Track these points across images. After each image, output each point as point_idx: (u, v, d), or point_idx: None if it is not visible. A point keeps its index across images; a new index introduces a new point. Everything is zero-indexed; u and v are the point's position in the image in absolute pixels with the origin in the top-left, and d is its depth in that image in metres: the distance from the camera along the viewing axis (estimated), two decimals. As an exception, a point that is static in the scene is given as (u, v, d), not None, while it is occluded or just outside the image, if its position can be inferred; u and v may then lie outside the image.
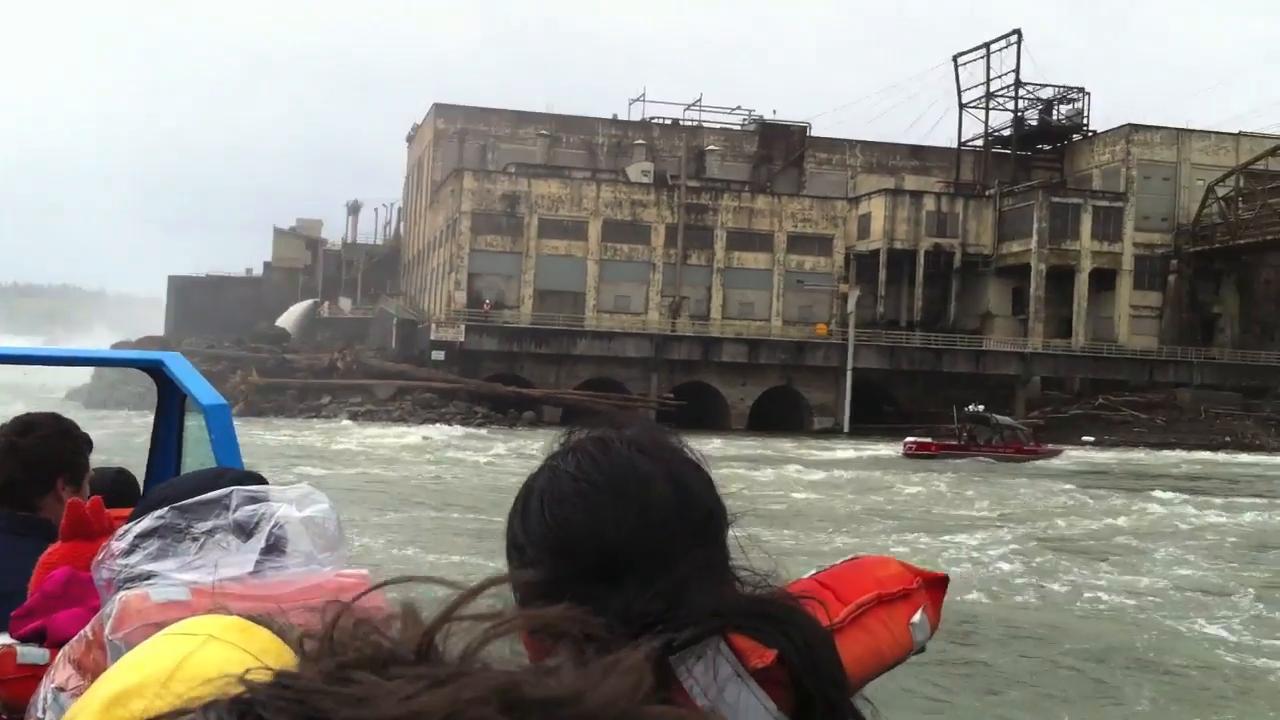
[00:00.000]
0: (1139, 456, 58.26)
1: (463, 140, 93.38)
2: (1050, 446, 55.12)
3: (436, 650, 0.67)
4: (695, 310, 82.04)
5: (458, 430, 59.67)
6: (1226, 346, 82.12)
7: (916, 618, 1.41)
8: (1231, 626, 15.28)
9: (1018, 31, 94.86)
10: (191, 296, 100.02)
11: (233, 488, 1.69)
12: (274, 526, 1.65)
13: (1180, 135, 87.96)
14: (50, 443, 3.25)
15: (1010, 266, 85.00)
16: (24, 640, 2.12)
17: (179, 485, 1.81)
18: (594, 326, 79.08)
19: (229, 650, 1.00)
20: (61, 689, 1.49)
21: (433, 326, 76.72)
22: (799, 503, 29.43)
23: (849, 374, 76.56)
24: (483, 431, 60.21)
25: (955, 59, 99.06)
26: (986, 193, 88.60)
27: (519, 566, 1.25)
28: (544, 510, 1.25)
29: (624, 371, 76.97)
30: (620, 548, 1.21)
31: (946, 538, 23.10)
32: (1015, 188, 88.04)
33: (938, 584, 1.45)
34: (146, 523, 1.65)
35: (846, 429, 74.09)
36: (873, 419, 74.48)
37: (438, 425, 61.75)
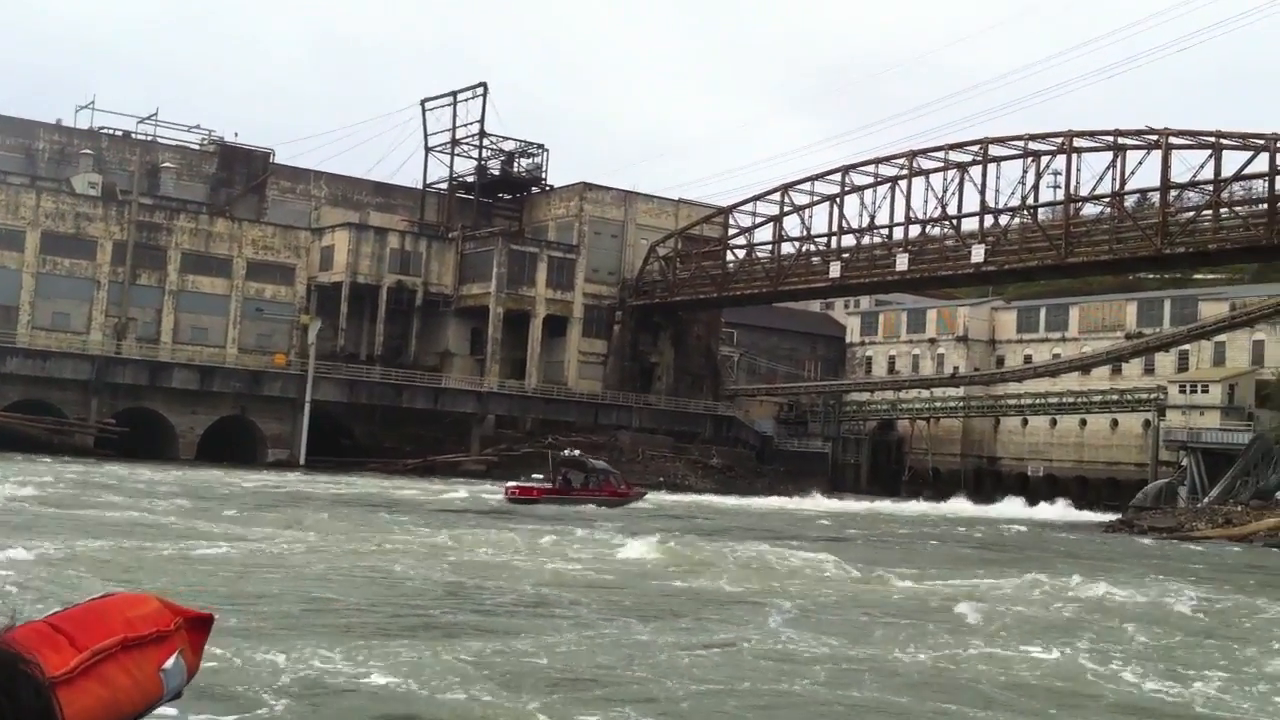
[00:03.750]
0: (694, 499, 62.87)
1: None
2: (638, 489, 56.66)
3: None
4: (144, 333, 77.17)
5: None
6: (662, 394, 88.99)
7: (170, 663, 1.26)
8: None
9: (484, 84, 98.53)
10: None
11: None
12: None
13: (628, 197, 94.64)
14: None
15: (470, 308, 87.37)
16: None
17: None
18: (27, 344, 72.22)
19: None
20: None
21: None
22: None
23: (307, 406, 75.01)
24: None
25: (424, 104, 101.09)
26: (450, 235, 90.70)
27: None
28: None
29: (60, 394, 70.85)
30: None
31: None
32: (477, 233, 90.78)
33: (201, 624, 1.32)
34: None
35: (303, 461, 72.46)
36: (329, 452, 73.51)
37: None
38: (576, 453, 59.49)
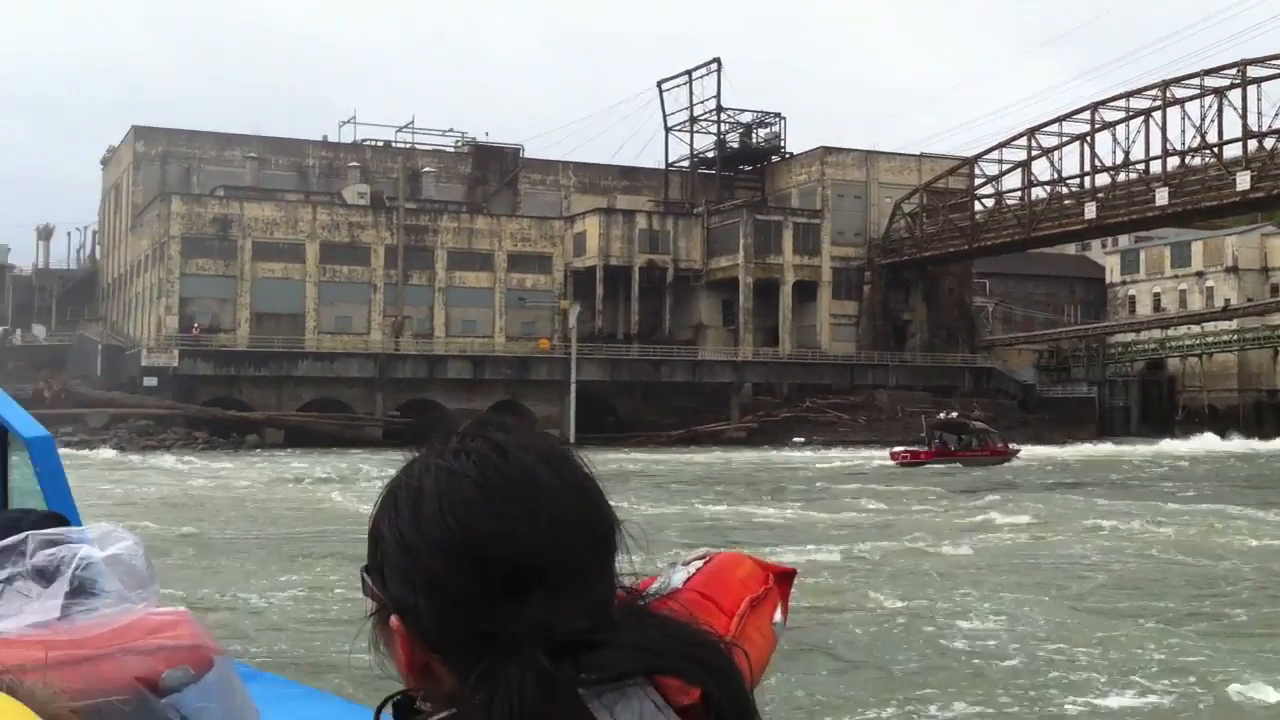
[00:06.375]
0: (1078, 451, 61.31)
1: (165, 163, 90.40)
2: (1013, 447, 56.06)
3: None
4: (419, 329, 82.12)
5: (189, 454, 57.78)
6: (917, 350, 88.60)
7: (777, 617, 1.35)
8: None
9: (718, 60, 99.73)
10: None
11: (28, 533, 1.64)
12: (77, 568, 1.60)
13: (869, 157, 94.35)
14: None
15: (719, 280, 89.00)
16: None
17: None
18: (314, 348, 77.98)
19: None
20: None
21: (144, 352, 73.87)
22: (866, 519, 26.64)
23: (573, 387, 78.29)
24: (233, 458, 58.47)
25: (660, 85, 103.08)
26: (694, 211, 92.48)
27: (408, 567, 1.16)
28: (444, 514, 1.15)
29: (348, 391, 76.26)
30: (532, 559, 1.13)
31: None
32: (721, 206, 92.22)
33: (786, 578, 1.40)
34: None
35: (573, 439, 75.74)
36: (595, 429, 76.49)
37: (171, 452, 59.61)
38: (954, 414, 58.87)
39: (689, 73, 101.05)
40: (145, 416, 67.89)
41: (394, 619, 1.16)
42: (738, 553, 1.38)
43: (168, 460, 53.97)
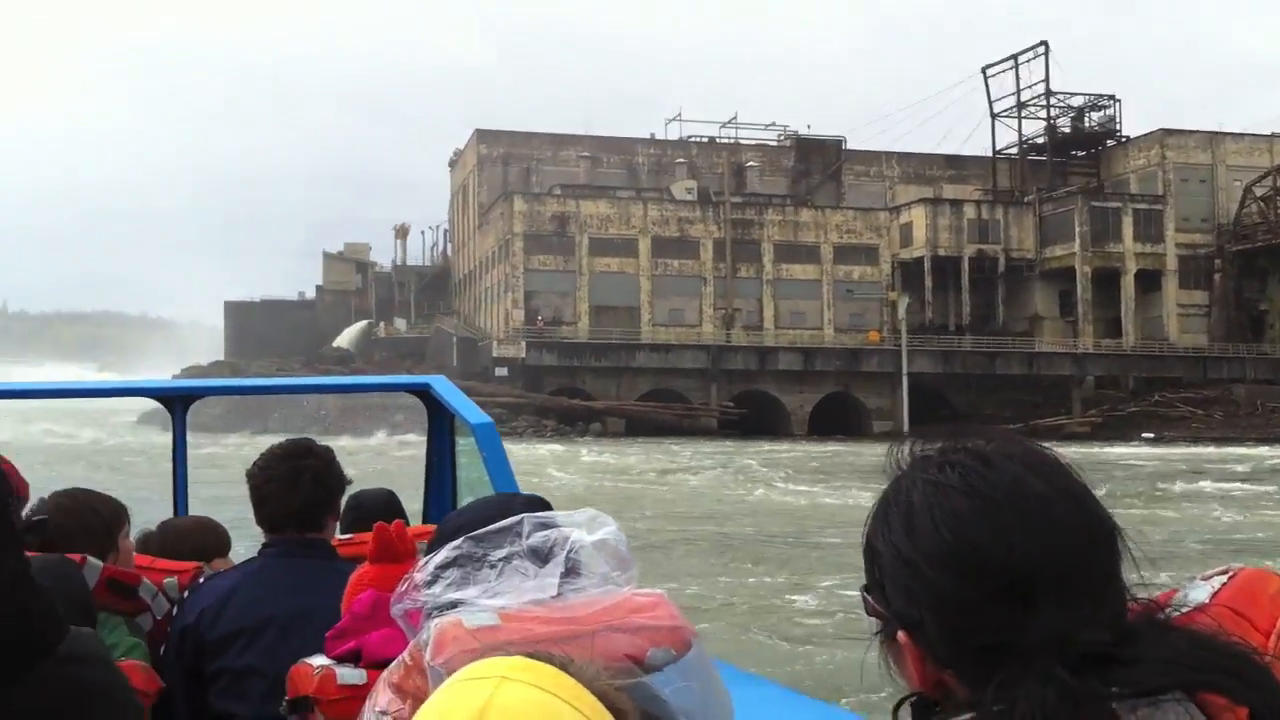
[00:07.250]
0: None
1: (506, 164, 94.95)
2: None
3: None
4: (748, 321, 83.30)
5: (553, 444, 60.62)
6: (1277, 342, 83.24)
7: None
8: None
9: (1044, 43, 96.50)
10: (247, 321, 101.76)
11: (523, 515, 1.75)
12: (570, 551, 1.71)
13: (1214, 138, 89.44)
14: (333, 464, 3.22)
15: (1054, 270, 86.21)
16: (340, 661, 2.23)
17: (470, 514, 1.88)
18: (650, 339, 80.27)
19: (525, 689, 1.00)
20: (384, 713, 1.53)
21: (494, 344, 77.97)
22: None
23: (905, 379, 77.65)
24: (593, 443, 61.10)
25: (984, 71, 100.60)
26: (1025, 199, 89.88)
27: (909, 583, 1.16)
28: (937, 527, 1.14)
29: (683, 382, 78.11)
30: (1031, 567, 1.10)
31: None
32: (1053, 193, 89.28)
33: None
34: (444, 554, 1.72)
35: (906, 431, 75.03)
36: (929, 421, 75.56)
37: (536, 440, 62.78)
38: None
39: (1014, 57, 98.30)
40: (499, 405, 71.48)
41: (901, 635, 1.17)
42: (1263, 569, 1.30)
43: (522, 447, 56.64)
